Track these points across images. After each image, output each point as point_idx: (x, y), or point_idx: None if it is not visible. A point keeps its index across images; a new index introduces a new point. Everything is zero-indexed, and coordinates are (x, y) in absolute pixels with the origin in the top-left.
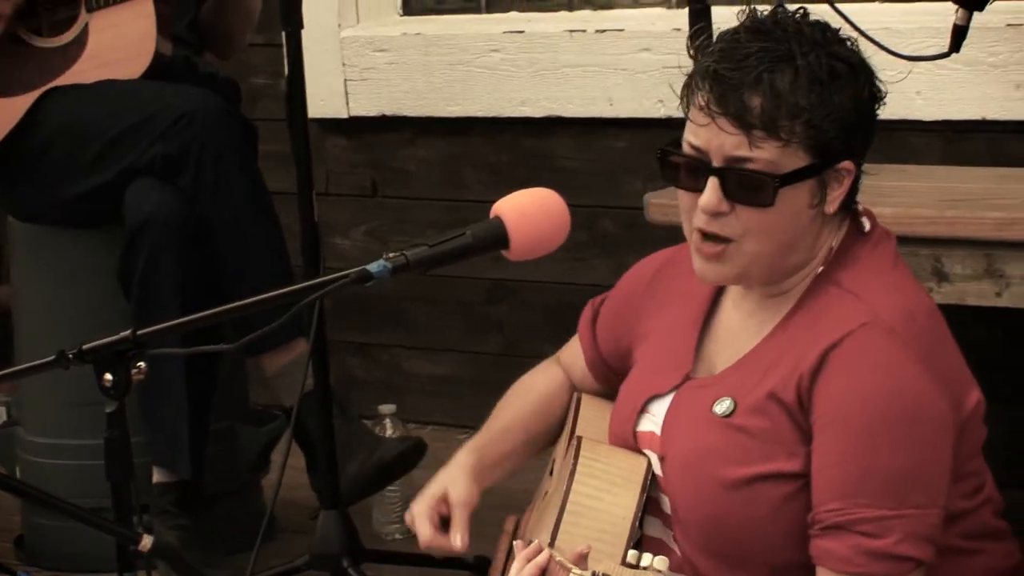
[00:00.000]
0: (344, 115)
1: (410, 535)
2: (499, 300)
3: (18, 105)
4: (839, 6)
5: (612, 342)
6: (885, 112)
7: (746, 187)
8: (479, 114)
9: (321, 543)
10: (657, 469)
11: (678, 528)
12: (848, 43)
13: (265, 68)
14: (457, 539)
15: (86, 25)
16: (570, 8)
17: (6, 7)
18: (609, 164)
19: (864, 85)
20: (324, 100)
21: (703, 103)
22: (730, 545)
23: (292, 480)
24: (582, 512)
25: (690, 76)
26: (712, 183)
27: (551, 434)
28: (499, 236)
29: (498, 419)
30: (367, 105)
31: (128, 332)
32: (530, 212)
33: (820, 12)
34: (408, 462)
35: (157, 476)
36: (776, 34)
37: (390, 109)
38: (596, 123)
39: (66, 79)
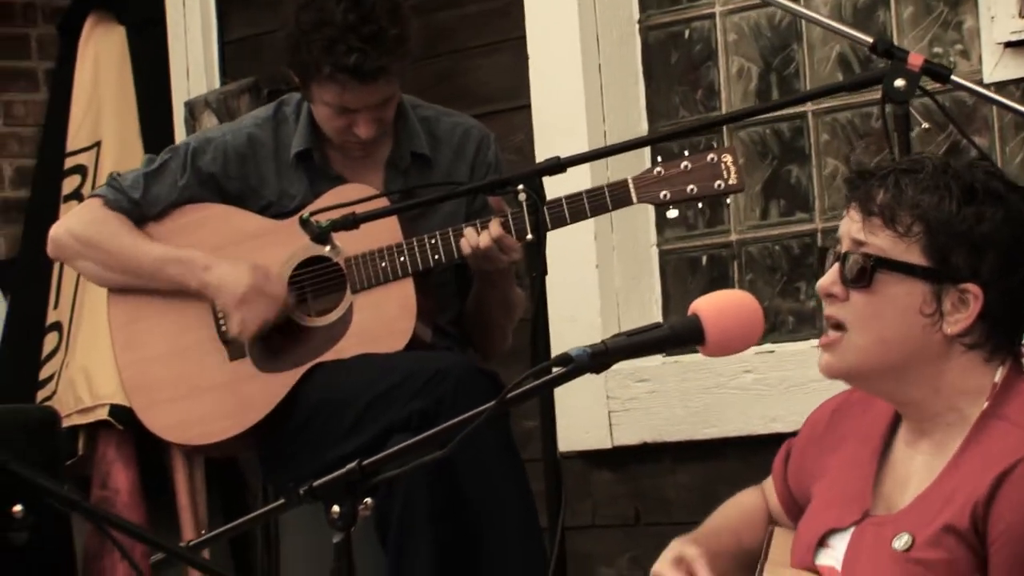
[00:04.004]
0: (608, 445)
1: None
2: None
3: (284, 382)
4: None
5: (797, 481)
6: None
7: (853, 268)
8: (733, 434)
9: None
10: None
11: None
12: (1003, 177)
13: (535, 411)
14: None
15: (351, 305)
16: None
17: (285, 299)
18: None
19: (1009, 214)
20: (589, 432)
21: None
22: None
23: None
24: None
25: None
26: (833, 267)
27: (757, 552)
28: (695, 330)
29: (710, 524)
30: (629, 434)
31: (355, 464)
32: (726, 310)
33: None
34: None
35: None
36: (929, 160)
37: (651, 436)
38: None
39: (329, 356)
